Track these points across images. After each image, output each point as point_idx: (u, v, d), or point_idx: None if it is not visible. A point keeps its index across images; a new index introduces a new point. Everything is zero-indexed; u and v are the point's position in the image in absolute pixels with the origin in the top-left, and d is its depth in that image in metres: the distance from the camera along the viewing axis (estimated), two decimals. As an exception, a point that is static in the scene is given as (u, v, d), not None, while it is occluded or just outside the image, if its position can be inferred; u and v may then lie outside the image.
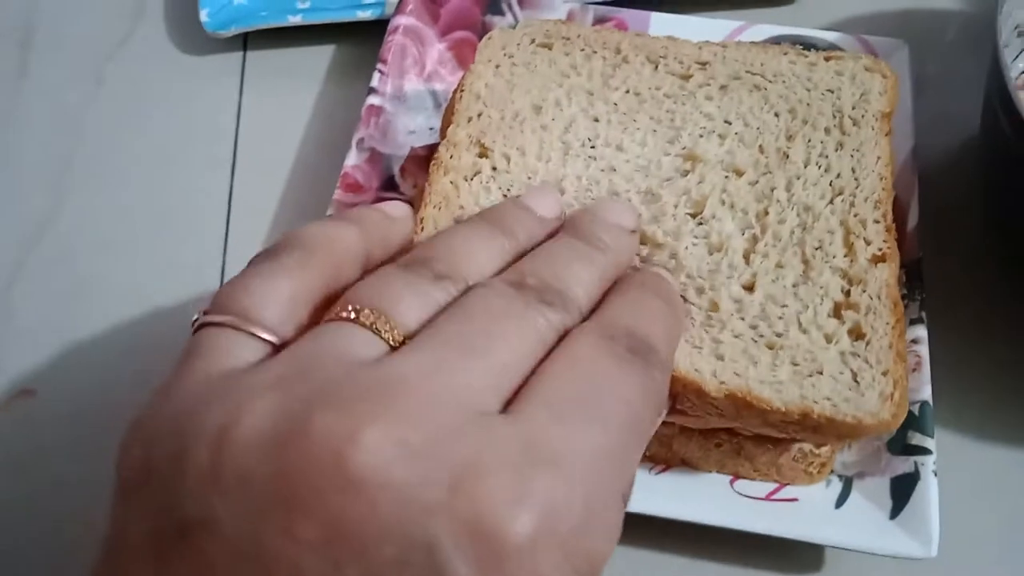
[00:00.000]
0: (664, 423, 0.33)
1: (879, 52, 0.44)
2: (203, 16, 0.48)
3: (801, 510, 0.34)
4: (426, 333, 0.24)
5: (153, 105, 0.49)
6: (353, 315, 0.24)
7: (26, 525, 0.38)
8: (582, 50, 0.40)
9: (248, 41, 0.50)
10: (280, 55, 0.50)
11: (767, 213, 0.34)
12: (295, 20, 0.48)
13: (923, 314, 0.37)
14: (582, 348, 0.25)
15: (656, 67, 0.39)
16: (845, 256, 0.33)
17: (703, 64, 0.39)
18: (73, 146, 0.48)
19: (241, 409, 0.22)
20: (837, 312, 0.32)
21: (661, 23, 0.46)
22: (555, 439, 0.22)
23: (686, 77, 0.39)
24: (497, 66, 0.40)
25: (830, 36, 0.46)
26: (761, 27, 0.46)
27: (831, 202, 0.34)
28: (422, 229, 0.35)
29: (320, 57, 0.50)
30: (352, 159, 0.42)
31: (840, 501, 0.34)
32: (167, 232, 0.45)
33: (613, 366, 0.24)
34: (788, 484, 0.34)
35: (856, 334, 0.31)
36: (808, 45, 0.43)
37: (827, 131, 0.36)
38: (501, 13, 0.47)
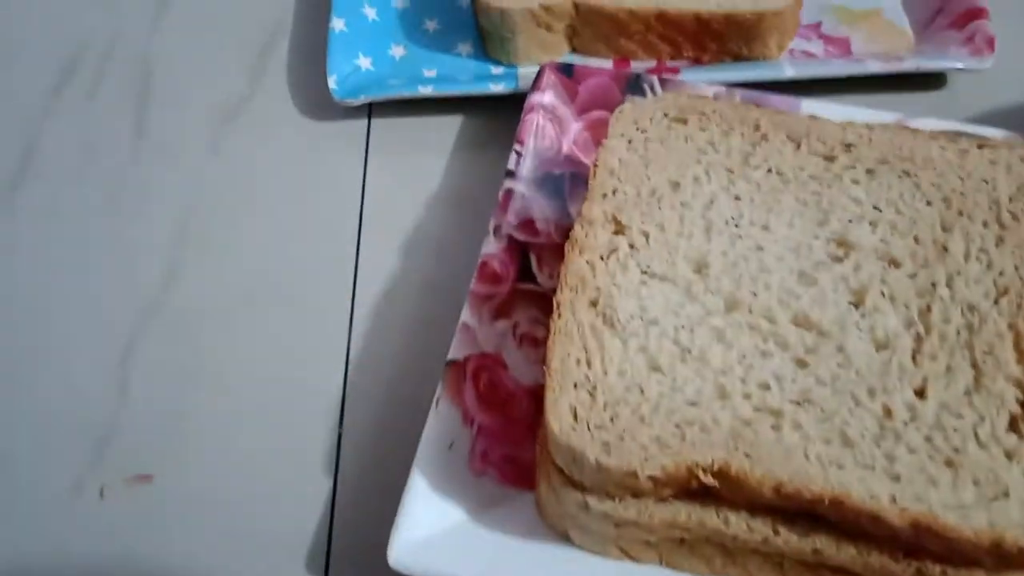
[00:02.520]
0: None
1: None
2: (331, 83, 0.47)
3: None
4: None
5: (273, 171, 0.48)
6: None
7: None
8: (719, 126, 0.39)
9: (372, 108, 0.49)
10: (406, 124, 0.48)
11: (930, 310, 0.33)
12: (425, 91, 0.47)
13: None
14: None
15: (798, 146, 0.38)
16: (1018, 363, 0.31)
17: (848, 146, 0.38)
18: (188, 213, 0.46)
19: None
20: (1015, 425, 0.30)
21: (812, 110, 0.43)
22: None
23: (830, 158, 0.37)
24: (630, 141, 0.38)
25: (995, 135, 0.43)
26: (920, 121, 0.43)
27: (996, 302, 0.33)
28: (559, 315, 0.33)
29: (447, 128, 0.48)
30: (490, 247, 0.40)
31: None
32: (288, 307, 0.43)
33: None
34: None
35: None
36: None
37: (985, 224, 0.35)
38: (642, 94, 0.45)
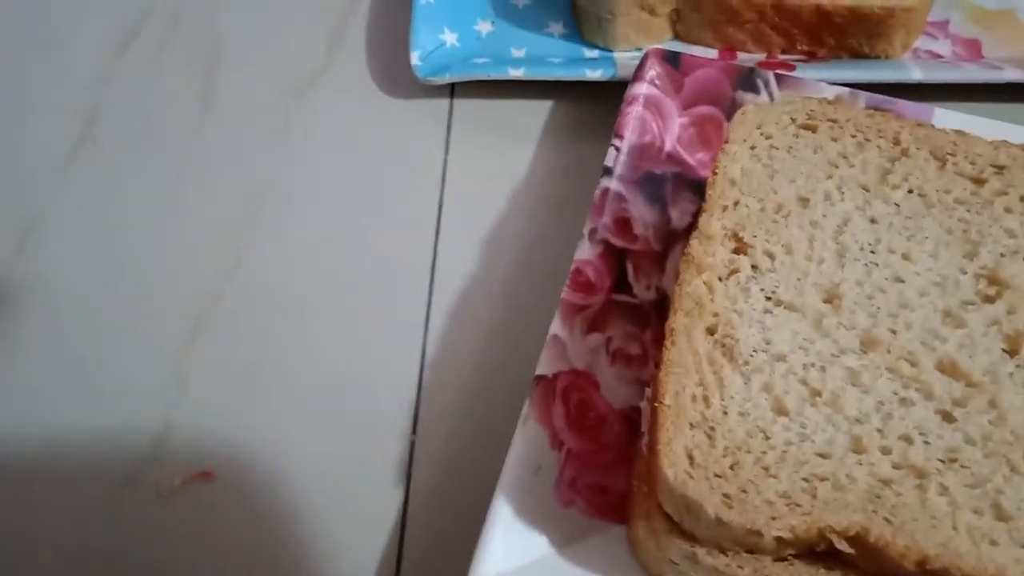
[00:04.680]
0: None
1: None
2: (414, 59, 0.44)
3: None
4: None
5: (348, 151, 0.44)
6: None
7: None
8: (853, 136, 0.35)
9: (455, 88, 0.45)
10: (491, 106, 0.45)
11: None
12: (517, 74, 0.43)
13: None
14: None
15: (943, 165, 0.34)
16: None
17: (999, 168, 0.34)
18: (256, 193, 0.43)
19: None
20: None
21: (946, 121, 0.39)
22: None
23: (979, 181, 0.33)
24: (753, 147, 0.35)
25: None
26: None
27: None
28: (672, 343, 0.30)
29: (536, 113, 0.45)
30: (584, 252, 0.37)
31: None
32: (360, 300, 0.40)
33: None
34: None
35: None
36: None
37: None
38: (755, 90, 0.41)
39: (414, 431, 0.37)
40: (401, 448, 0.37)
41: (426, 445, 0.37)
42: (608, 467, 0.34)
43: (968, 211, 0.32)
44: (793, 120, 0.35)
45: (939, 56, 0.44)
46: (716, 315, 0.31)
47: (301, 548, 0.35)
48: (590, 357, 0.36)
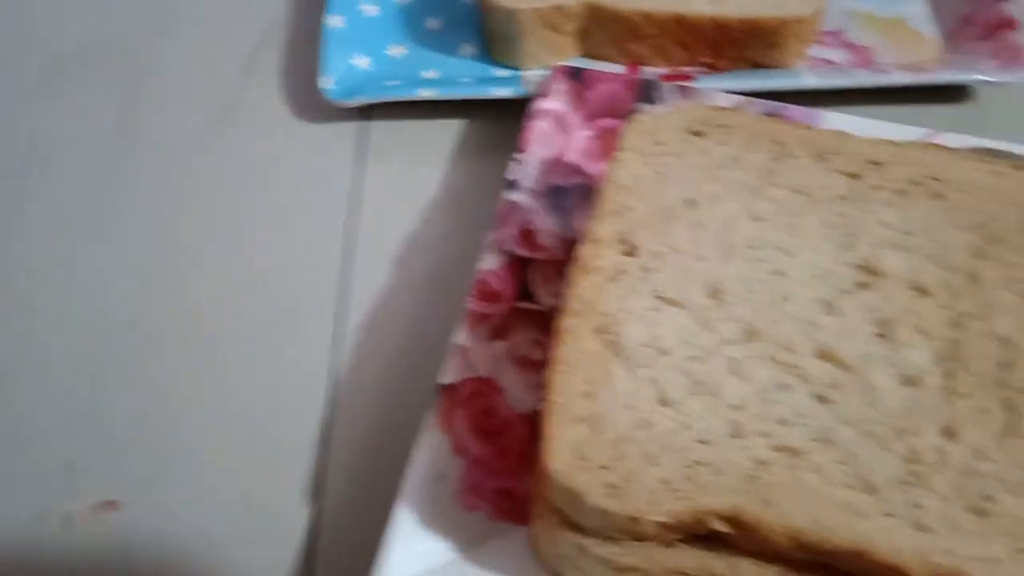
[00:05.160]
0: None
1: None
2: (326, 83, 0.44)
3: None
4: None
5: (262, 176, 0.45)
6: None
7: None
8: (740, 140, 0.36)
9: (370, 110, 0.46)
10: (403, 127, 0.46)
11: (961, 344, 0.30)
12: (426, 94, 0.44)
13: None
14: None
15: (824, 164, 0.35)
16: None
17: (876, 164, 0.35)
18: (171, 220, 0.44)
19: None
20: None
21: (834, 124, 0.41)
22: None
23: (857, 177, 0.35)
24: (644, 154, 0.36)
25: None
26: (947, 137, 0.41)
27: None
28: (561, 343, 0.31)
29: (448, 133, 0.46)
30: (488, 263, 0.38)
31: None
32: (272, 322, 0.41)
33: None
34: None
35: None
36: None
37: (1021, 252, 0.32)
38: (656, 102, 0.42)
39: (326, 448, 0.37)
40: (312, 466, 0.37)
41: (338, 461, 0.37)
42: (512, 471, 0.34)
43: (847, 206, 0.34)
44: (685, 127, 0.36)
45: (833, 63, 0.46)
46: (604, 315, 0.31)
47: (211, 571, 0.35)
48: (494, 364, 0.36)
